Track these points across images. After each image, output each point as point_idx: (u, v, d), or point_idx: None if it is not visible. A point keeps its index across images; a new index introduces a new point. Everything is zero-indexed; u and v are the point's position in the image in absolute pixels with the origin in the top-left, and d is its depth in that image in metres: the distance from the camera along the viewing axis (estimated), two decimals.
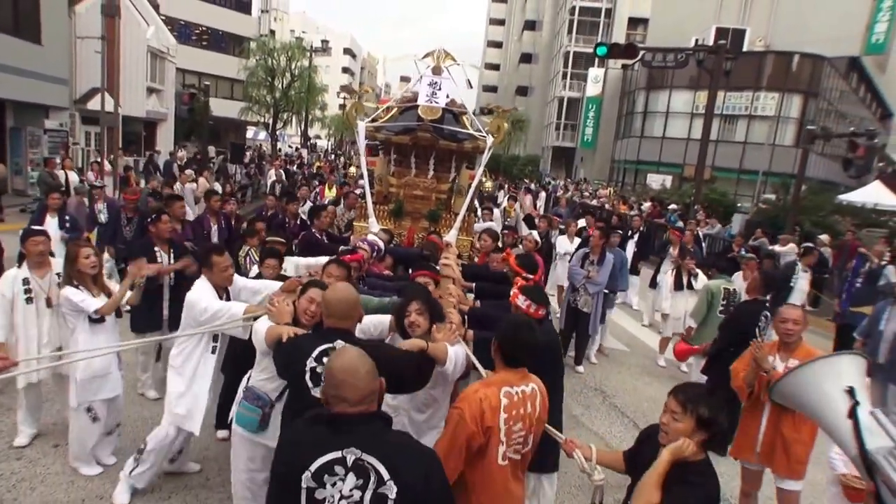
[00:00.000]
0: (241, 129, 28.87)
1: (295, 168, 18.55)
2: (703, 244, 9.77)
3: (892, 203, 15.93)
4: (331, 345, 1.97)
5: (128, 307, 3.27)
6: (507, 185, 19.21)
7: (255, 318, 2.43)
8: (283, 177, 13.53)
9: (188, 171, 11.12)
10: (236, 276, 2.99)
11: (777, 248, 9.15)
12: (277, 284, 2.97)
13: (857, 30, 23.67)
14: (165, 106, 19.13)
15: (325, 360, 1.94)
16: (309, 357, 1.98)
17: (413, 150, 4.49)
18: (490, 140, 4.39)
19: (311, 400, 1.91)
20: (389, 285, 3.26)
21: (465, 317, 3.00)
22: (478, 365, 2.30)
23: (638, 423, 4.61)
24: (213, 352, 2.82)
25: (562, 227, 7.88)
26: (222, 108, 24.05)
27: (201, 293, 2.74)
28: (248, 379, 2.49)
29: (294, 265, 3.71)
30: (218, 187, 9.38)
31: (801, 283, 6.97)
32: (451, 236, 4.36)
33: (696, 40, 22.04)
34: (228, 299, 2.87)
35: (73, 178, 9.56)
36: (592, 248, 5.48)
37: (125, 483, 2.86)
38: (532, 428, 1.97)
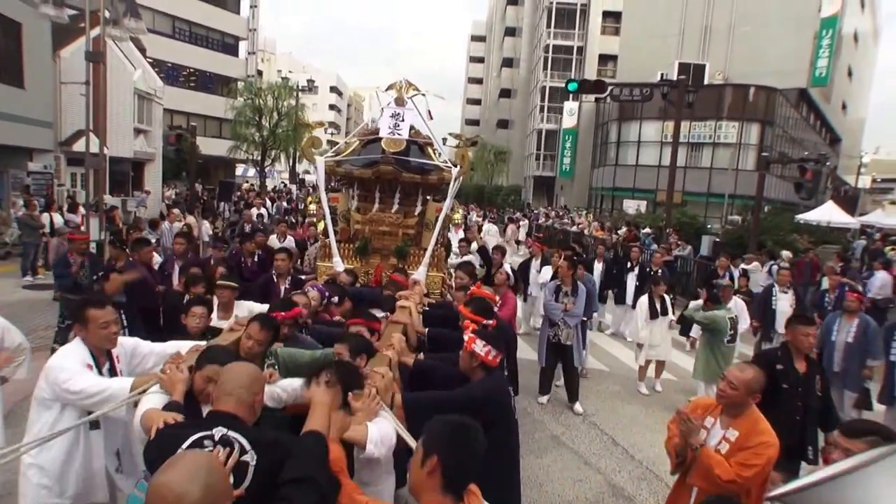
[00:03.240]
0: (230, 167, 29.25)
1: (285, 204, 18.84)
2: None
3: (844, 221, 17.07)
4: (208, 432, 1.57)
5: None
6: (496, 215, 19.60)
7: (145, 391, 1.97)
8: (259, 217, 12.75)
9: (175, 210, 11.22)
10: (142, 342, 2.50)
11: (743, 266, 9.58)
12: (191, 345, 2.41)
13: (802, 64, 25.49)
14: (153, 146, 19.40)
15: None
16: (178, 448, 1.56)
17: (377, 185, 4.34)
18: (455, 171, 4.21)
19: None
20: (336, 332, 2.89)
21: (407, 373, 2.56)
22: (410, 441, 1.87)
23: (617, 439, 4.69)
24: (96, 426, 2.21)
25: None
26: (211, 146, 24.38)
27: (67, 360, 2.15)
28: None
29: (248, 311, 3.26)
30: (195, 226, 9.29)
31: (782, 304, 6.40)
32: (419, 273, 4.10)
33: (662, 74, 23.42)
34: (112, 366, 2.33)
35: (58, 220, 9.63)
36: (563, 279, 5.22)
37: None
38: None
